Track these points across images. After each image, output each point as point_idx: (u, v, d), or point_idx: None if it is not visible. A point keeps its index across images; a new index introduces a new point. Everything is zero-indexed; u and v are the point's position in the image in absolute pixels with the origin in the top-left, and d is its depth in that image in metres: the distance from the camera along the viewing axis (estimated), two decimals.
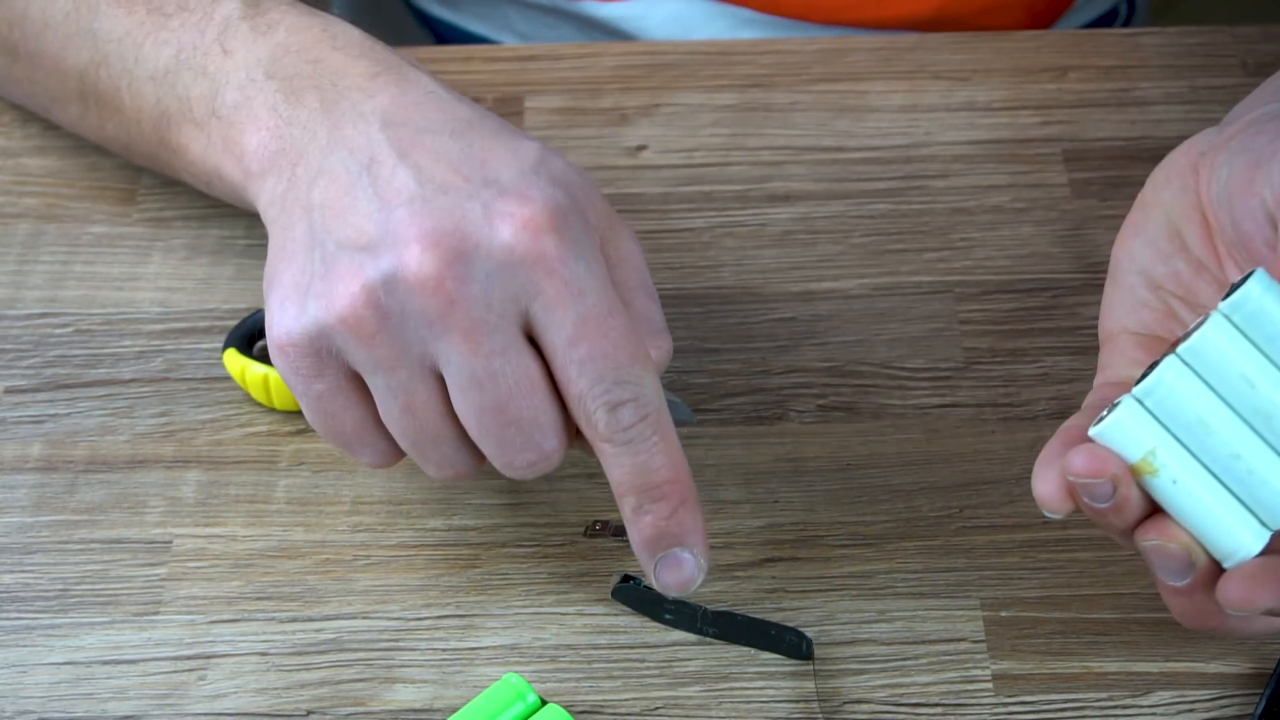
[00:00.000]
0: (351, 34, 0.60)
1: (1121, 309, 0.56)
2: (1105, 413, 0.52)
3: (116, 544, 0.62)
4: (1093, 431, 0.52)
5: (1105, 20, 0.90)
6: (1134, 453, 0.51)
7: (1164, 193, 0.56)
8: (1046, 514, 0.52)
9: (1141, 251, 0.56)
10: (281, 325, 0.55)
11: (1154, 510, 0.52)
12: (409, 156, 0.55)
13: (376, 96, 0.57)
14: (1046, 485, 0.52)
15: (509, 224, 0.53)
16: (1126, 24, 0.92)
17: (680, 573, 0.56)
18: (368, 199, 0.55)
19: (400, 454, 0.58)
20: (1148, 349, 0.55)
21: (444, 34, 0.91)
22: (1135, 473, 0.51)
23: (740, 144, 0.75)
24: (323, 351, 0.55)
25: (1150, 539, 0.51)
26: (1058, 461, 0.52)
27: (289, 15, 0.61)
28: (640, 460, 0.55)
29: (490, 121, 0.57)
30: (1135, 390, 0.51)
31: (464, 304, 0.53)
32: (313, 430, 0.65)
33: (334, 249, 0.55)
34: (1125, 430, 0.51)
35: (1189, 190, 0.55)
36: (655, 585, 0.57)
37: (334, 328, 0.54)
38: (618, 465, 0.55)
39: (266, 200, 0.58)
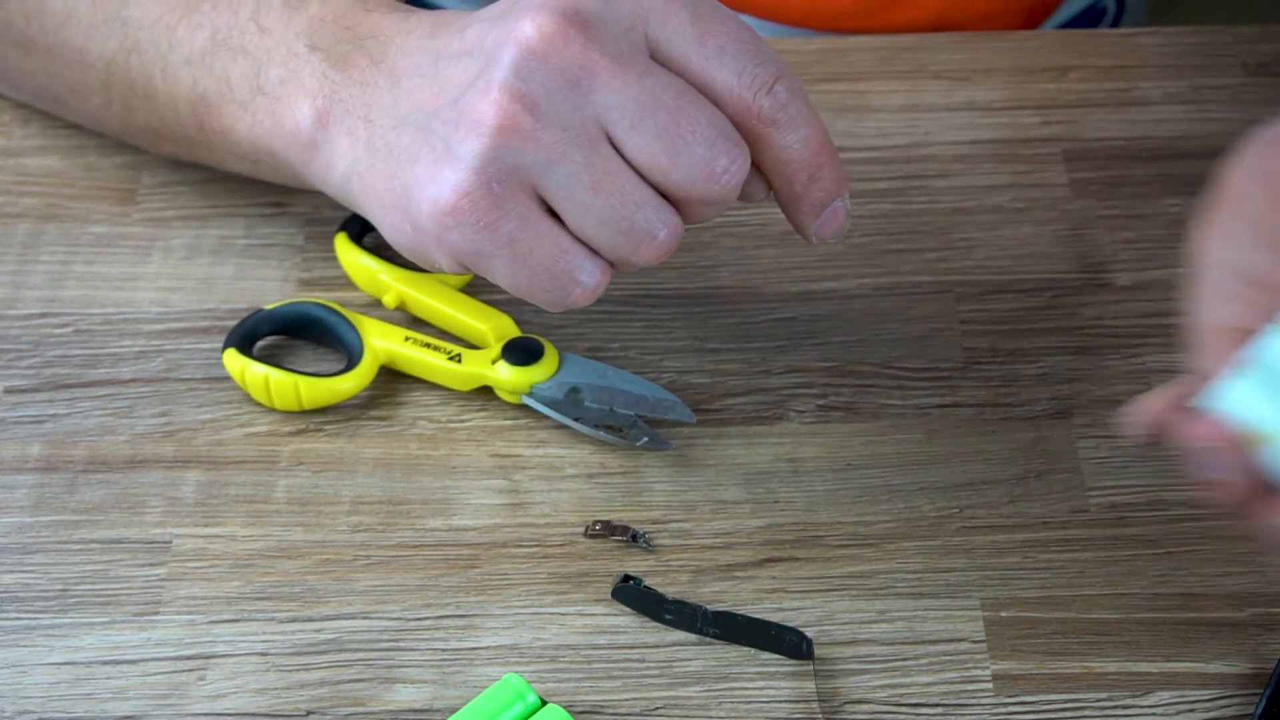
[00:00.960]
0: None
1: (1211, 305, 0.55)
2: (1214, 382, 0.51)
3: (116, 544, 0.62)
4: (1202, 400, 0.51)
5: (1091, 16, 0.90)
6: (1248, 421, 0.50)
7: (1244, 184, 0.55)
8: (1132, 431, 0.53)
9: (1226, 245, 0.55)
10: (445, 190, 0.55)
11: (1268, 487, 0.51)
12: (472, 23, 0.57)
13: (416, 30, 0.59)
14: (1143, 410, 0.53)
15: None
16: (1116, 23, 0.92)
17: (839, 220, 0.59)
18: (454, 56, 0.57)
19: (608, 264, 0.57)
20: (1241, 343, 0.54)
21: None
22: (1246, 443, 0.51)
23: None
24: (494, 183, 0.55)
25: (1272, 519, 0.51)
26: (1162, 401, 0.52)
27: None
28: (805, 134, 0.57)
29: None
30: (1240, 360, 0.51)
31: (595, 46, 0.54)
32: (313, 430, 0.65)
33: (452, 98, 0.56)
34: (1238, 398, 0.51)
35: (1271, 179, 0.55)
36: (814, 239, 0.59)
37: (495, 145, 0.55)
38: (785, 144, 0.57)
39: (342, 158, 0.59)
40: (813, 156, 0.57)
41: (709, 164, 0.55)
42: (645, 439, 0.64)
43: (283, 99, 0.61)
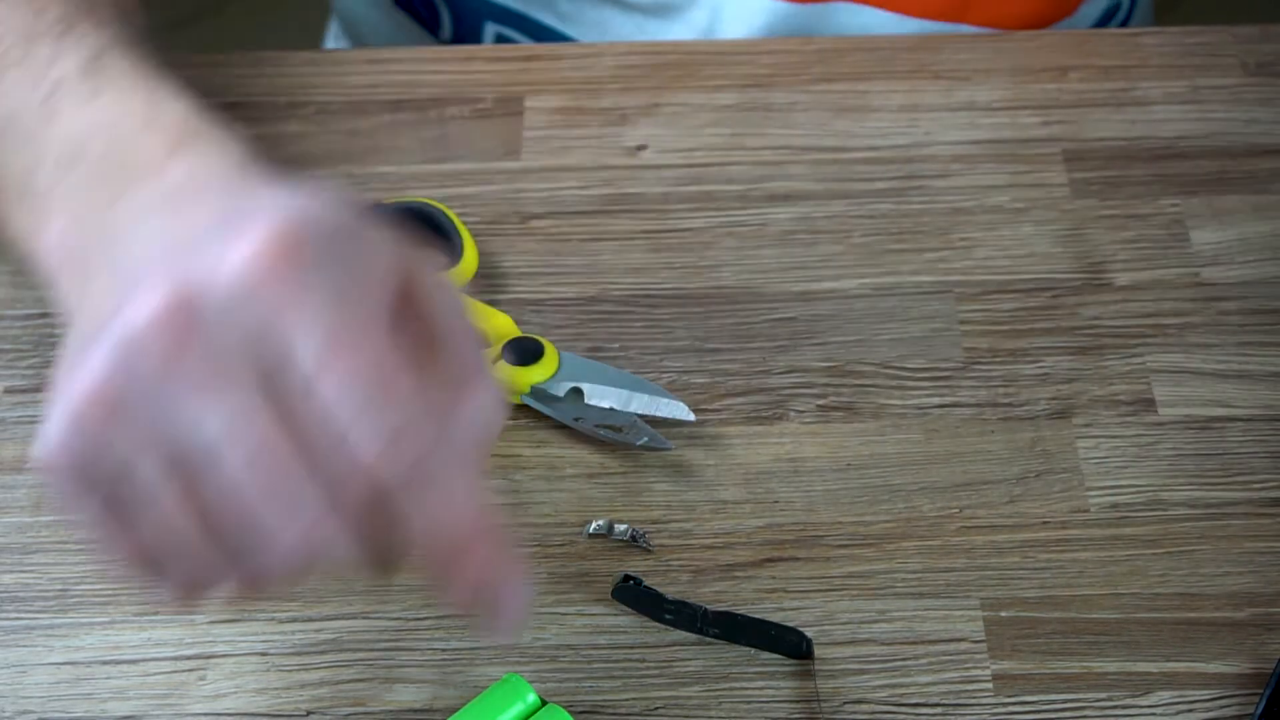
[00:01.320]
0: (174, 109, 0.54)
1: None
2: None
3: None
4: None
5: (1108, 16, 0.90)
6: None
7: None
8: None
9: None
10: (42, 444, 0.46)
11: None
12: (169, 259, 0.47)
13: (165, 178, 0.52)
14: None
15: (237, 254, 0.45)
16: (1125, 22, 0.92)
17: (505, 612, 0.49)
18: (120, 294, 0.47)
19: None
20: None
21: (467, 14, 0.89)
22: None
23: (740, 144, 0.75)
24: (86, 469, 0.46)
25: None
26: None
27: (120, 80, 0.55)
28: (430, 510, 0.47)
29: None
30: None
31: (194, 354, 0.45)
32: None
33: (83, 344, 0.47)
34: None
35: None
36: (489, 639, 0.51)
37: (74, 428, 0.45)
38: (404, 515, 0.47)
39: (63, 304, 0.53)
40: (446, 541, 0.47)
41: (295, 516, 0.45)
42: (645, 439, 0.64)
43: (42, 212, 0.54)
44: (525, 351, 0.65)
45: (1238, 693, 0.58)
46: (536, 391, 0.64)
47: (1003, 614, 0.60)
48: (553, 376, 0.64)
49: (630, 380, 0.65)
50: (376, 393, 0.45)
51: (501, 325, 0.66)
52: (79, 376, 0.45)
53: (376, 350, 0.45)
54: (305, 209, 0.46)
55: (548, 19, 0.86)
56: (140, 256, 0.48)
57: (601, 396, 0.64)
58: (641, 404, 0.64)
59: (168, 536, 0.46)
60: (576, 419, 0.64)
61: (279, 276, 0.44)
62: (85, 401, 0.45)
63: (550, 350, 0.65)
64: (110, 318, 0.46)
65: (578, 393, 0.64)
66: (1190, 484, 0.63)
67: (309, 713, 0.58)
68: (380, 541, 0.47)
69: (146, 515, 0.46)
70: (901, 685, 0.58)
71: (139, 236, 0.50)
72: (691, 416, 0.64)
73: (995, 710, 0.58)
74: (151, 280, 0.45)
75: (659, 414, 0.64)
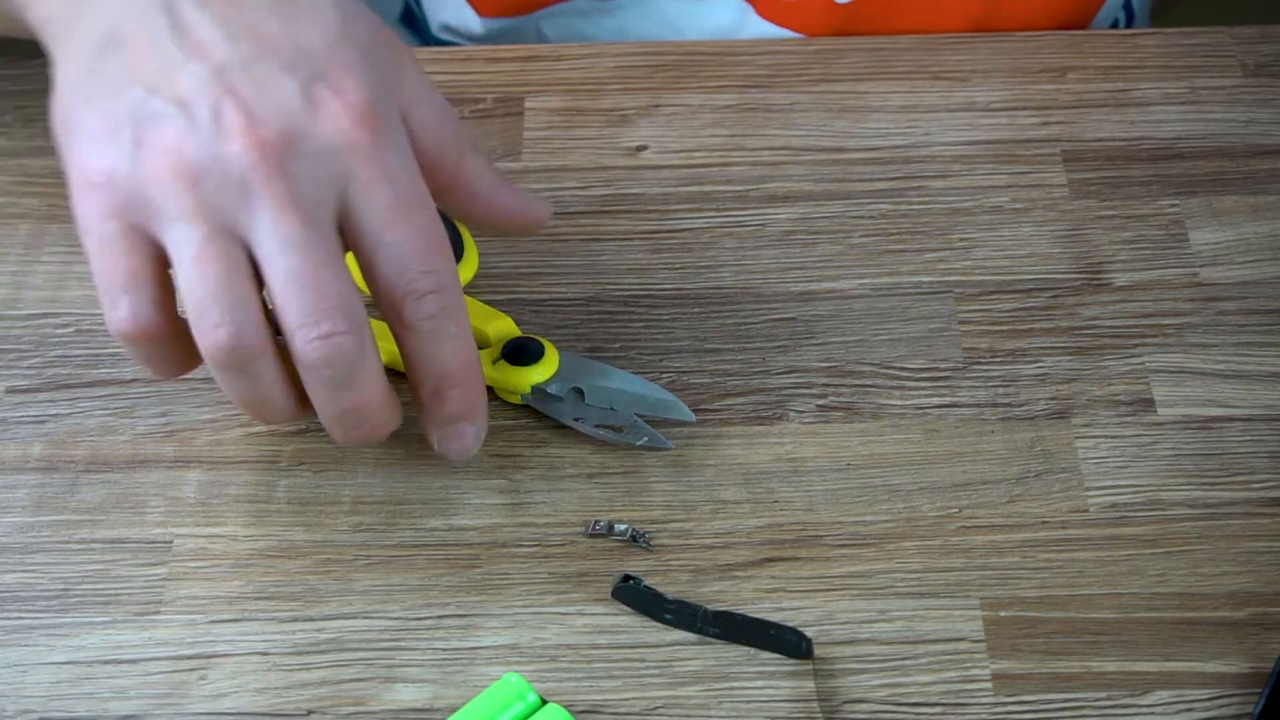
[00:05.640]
0: None
1: None
2: None
3: (117, 544, 0.62)
4: None
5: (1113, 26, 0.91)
6: None
7: None
8: None
9: None
10: (99, 164, 0.54)
11: None
12: (210, 4, 0.55)
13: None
14: None
15: (328, 112, 0.54)
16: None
17: (463, 441, 0.60)
18: (175, 47, 0.55)
19: (160, 324, 0.56)
20: None
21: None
22: None
23: (740, 144, 0.75)
24: (131, 197, 0.54)
25: None
26: None
27: None
28: (439, 350, 0.57)
29: None
30: None
31: (282, 183, 0.53)
32: (314, 430, 0.65)
33: (143, 95, 0.54)
34: None
35: None
36: (436, 449, 0.60)
37: (149, 180, 0.54)
38: (417, 353, 0.57)
39: (64, 32, 0.58)
40: (441, 374, 0.58)
41: (312, 326, 0.54)
42: (645, 439, 0.64)
43: None
44: (525, 351, 0.65)
45: (1236, 692, 0.58)
46: (536, 391, 0.64)
47: (1002, 614, 0.60)
48: (553, 376, 0.65)
49: (631, 380, 0.65)
50: (431, 249, 0.56)
51: (502, 326, 0.66)
52: (160, 142, 0.54)
53: (425, 220, 0.56)
54: (363, 43, 0.56)
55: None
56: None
57: (601, 397, 0.64)
58: (642, 404, 0.64)
59: (199, 277, 0.54)
60: (576, 419, 0.64)
61: (363, 141, 0.54)
62: (156, 154, 0.54)
63: (550, 350, 0.65)
64: (187, 95, 0.54)
65: (578, 393, 0.64)
66: (1189, 484, 0.63)
67: (309, 712, 0.58)
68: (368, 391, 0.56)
69: (185, 252, 0.54)
70: (901, 685, 0.58)
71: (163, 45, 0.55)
72: (692, 417, 0.64)
73: (995, 710, 0.58)
74: (240, 111, 0.54)
75: (659, 414, 0.64)
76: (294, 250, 0.54)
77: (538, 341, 0.65)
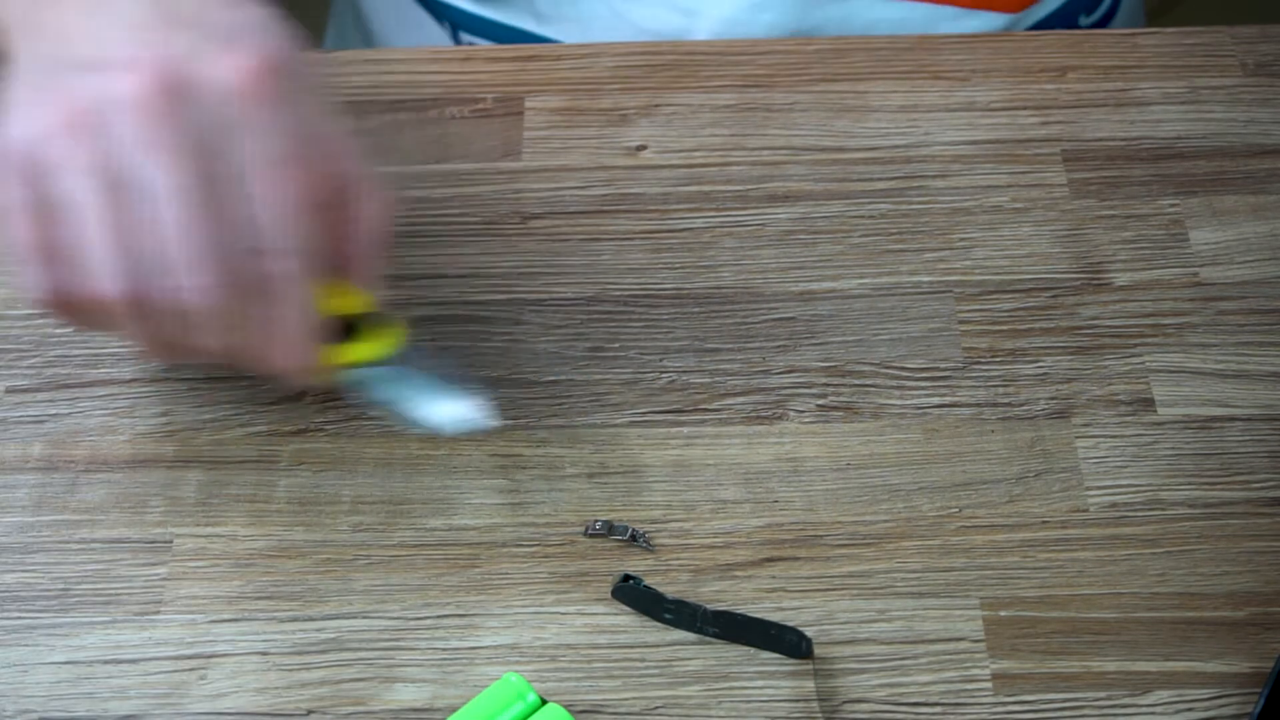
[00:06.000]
0: None
1: None
2: None
3: (117, 543, 0.62)
4: None
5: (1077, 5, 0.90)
6: None
7: None
8: None
9: None
10: (11, 133, 0.55)
11: None
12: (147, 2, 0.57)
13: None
14: None
15: (228, 64, 0.55)
16: (1110, 17, 0.92)
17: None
18: (103, 25, 0.56)
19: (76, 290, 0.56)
20: None
21: (461, 21, 0.90)
22: None
23: (740, 144, 0.75)
24: (34, 162, 0.55)
25: None
26: None
27: None
28: (271, 314, 0.56)
29: None
30: None
31: (173, 128, 0.54)
32: (314, 430, 0.65)
33: (52, 64, 0.56)
34: None
35: None
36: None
37: (47, 139, 0.54)
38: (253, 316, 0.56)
39: (6, 25, 0.59)
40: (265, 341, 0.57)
41: (184, 275, 0.55)
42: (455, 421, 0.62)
43: None
44: (359, 329, 0.61)
45: (1236, 692, 0.58)
46: (357, 371, 0.61)
47: (1002, 613, 0.60)
48: (375, 360, 0.61)
49: (439, 385, 0.62)
50: (296, 210, 0.56)
51: (356, 302, 0.62)
52: (57, 100, 0.55)
53: (302, 184, 0.56)
54: (284, 46, 0.57)
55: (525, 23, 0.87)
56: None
57: (400, 392, 0.62)
58: (435, 410, 0.62)
59: (78, 237, 0.55)
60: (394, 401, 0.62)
61: (259, 92, 0.55)
62: (56, 109, 0.55)
63: (381, 332, 0.61)
64: (91, 57, 0.55)
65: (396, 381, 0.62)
66: (1189, 484, 0.63)
67: (309, 712, 0.58)
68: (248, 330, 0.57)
69: (61, 216, 0.55)
70: (901, 684, 0.58)
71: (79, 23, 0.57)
72: (487, 424, 0.62)
73: (994, 709, 0.58)
74: (142, 56, 0.55)
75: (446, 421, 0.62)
76: (177, 197, 0.54)
77: (384, 321, 0.62)
